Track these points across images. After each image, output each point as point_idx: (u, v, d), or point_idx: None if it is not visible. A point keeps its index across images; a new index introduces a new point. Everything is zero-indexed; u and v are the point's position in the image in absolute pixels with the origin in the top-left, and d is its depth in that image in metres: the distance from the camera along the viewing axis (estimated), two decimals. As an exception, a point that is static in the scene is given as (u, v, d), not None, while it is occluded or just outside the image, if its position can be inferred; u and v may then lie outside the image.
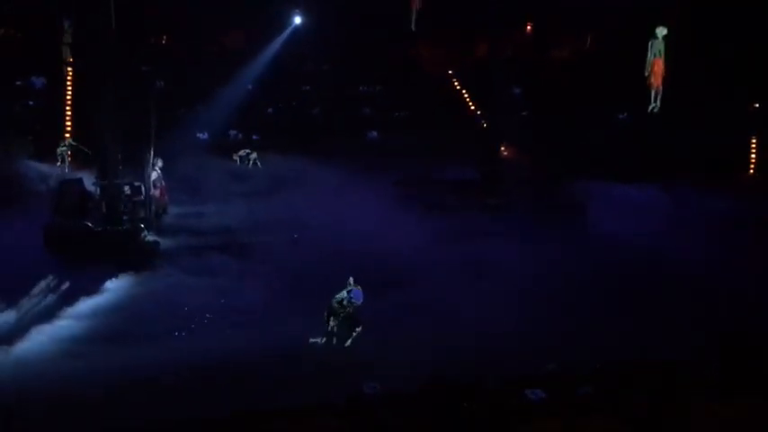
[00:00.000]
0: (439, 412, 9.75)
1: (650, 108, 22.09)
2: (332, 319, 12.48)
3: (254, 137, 24.41)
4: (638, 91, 23.12)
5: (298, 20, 27.00)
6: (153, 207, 18.15)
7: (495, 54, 24.57)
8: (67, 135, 22.62)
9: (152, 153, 17.94)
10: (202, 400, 10.55)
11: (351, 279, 12.41)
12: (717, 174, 24.16)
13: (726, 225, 19.40)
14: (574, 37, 31.61)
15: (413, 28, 27.50)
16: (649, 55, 22.06)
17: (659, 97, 21.85)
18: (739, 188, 23.96)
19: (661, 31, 21.76)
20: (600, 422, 9.89)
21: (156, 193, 18.53)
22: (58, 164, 21.53)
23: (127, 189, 17.49)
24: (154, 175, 18.38)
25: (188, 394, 10.69)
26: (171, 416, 9.83)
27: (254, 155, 23.47)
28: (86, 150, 20.91)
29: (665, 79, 21.75)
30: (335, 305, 12.42)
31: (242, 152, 23.51)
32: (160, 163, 18.77)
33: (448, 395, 10.05)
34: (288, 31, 26.86)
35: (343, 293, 12.39)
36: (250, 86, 26.20)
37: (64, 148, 21.82)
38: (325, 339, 12.48)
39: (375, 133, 26.95)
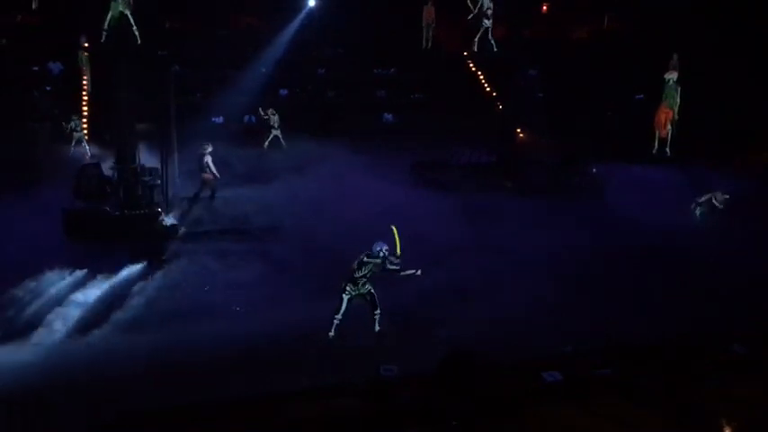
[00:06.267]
0: (455, 394, 9.80)
1: (653, 151, 21.96)
2: (349, 288, 12.05)
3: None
4: (654, 72, 22.99)
5: (312, 1, 26.91)
6: (209, 190, 18.74)
7: (511, 35, 24.38)
8: (84, 115, 22.78)
9: (175, 138, 18.06)
10: (220, 382, 10.66)
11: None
12: (735, 154, 23.95)
13: (744, 206, 19.25)
14: (591, 17, 31.35)
15: (427, 46, 27.35)
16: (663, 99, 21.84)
17: (668, 144, 21.53)
18: (759, 169, 23.73)
19: (670, 76, 21.45)
20: (616, 404, 9.91)
21: (209, 176, 18.75)
22: (72, 149, 21.68)
23: (148, 174, 17.61)
24: (207, 159, 18.57)
25: (206, 377, 10.80)
26: (189, 398, 9.96)
27: (277, 132, 23.50)
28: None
29: (673, 126, 21.49)
30: (360, 269, 11.97)
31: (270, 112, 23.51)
32: (210, 148, 18.88)
33: (464, 377, 10.10)
34: (302, 13, 26.79)
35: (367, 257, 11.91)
36: (264, 70, 26.21)
37: (80, 134, 21.96)
38: (337, 324, 12.29)
39: (390, 116, 26.93)
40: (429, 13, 27.45)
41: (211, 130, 23.55)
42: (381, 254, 11.97)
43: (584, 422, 9.53)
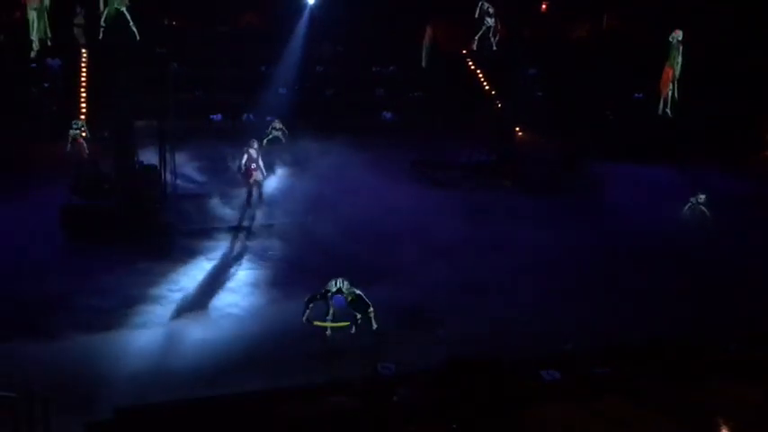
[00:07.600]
0: (454, 393, 9.79)
1: (660, 111, 21.96)
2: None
3: (269, 118, 24.35)
4: (653, 71, 22.97)
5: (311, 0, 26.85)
6: (253, 189, 18.40)
7: (510, 33, 24.38)
8: (82, 117, 22.70)
9: (173, 135, 18.00)
10: (220, 381, 10.63)
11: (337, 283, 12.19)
12: (734, 154, 23.97)
13: (743, 205, 19.26)
14: (590, 16, 31.35)
15: (424, 65, 27.35)
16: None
17: (669, 105, 21.62)
18: (757, 168, 23.77)
19: (675, 36, 21.36)
20: (615, 403, 9.90)
21: (258, 175, 18.53)
22: (68, 147, 21.58)
23: (146, 171, 17.52)
24: (245, 158, 18.40)
25: (206, 376, 10.78)
26: (189, 396, 9.92)
27: (278, 133, 23.48)
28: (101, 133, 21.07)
29: (674, 85, 21.45)
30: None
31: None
32: (255, 144, 18.76)
33: (463, 376, 10.09)
34: (305, 12, 26.71)
35: (331, 286, 12.15)
36: (263, 68, 26.20)
37: (76, 131, 21.86)
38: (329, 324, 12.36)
39: (389, 114, 26.93)
40: (430, 33, 27.46)
41: (209, 128, 23.63)
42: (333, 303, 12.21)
43: (583, 422, 9.52)
